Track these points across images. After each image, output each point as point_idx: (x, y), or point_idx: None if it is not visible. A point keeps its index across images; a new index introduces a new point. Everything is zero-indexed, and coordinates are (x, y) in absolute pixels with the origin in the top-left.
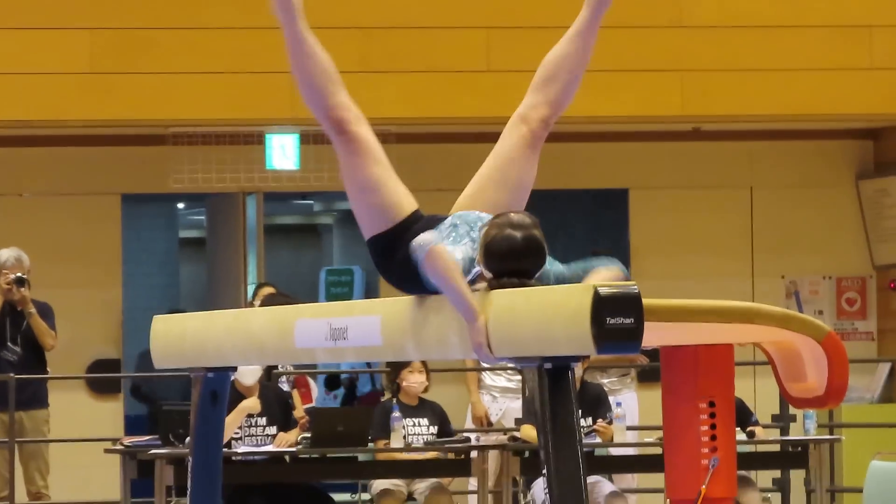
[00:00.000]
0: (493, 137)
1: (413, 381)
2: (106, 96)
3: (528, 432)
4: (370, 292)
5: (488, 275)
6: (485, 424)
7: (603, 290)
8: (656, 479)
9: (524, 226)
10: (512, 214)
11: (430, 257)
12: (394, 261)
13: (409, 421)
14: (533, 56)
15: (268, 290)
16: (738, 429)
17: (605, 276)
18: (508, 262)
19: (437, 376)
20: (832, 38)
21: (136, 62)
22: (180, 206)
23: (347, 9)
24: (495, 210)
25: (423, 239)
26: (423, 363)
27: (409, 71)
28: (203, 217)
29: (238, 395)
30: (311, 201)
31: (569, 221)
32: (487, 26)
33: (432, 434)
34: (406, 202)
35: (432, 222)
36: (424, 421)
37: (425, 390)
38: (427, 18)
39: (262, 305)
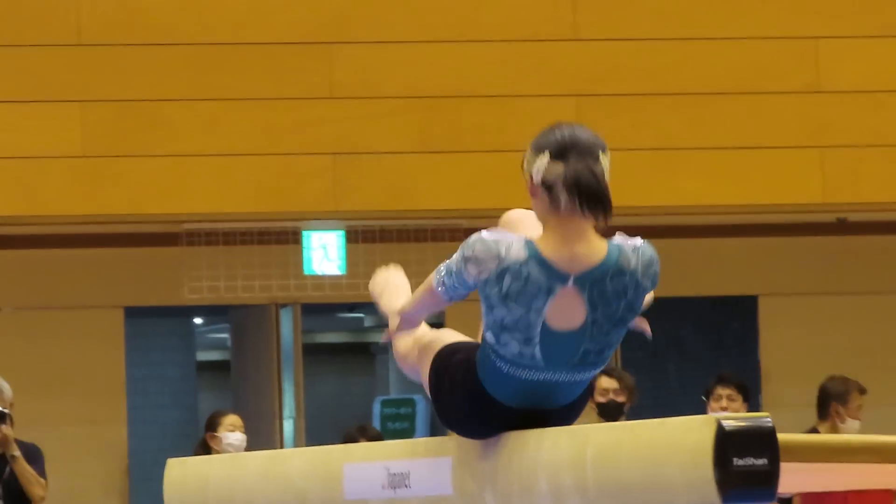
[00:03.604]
0: None
1: None
2: (102, 185)
3: None
4: (436, 428)
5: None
6: None
7: (728, 424)
8: None
9: None
10: None
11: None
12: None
13: None
14: (625, 127)
15: (235, 419)
16: None
17: None
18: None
19: None
20: None
21: (138, 142)
22: (198, 321)
23: (403, 73)
24: None
25: None
26: None
27: (481, 150)
28: (226, 335)
29: None
30: (361, 314)
31: (685, 336)
32: (577, 94)
33: None
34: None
35: None
36: None
37: None
38: (501, 85)
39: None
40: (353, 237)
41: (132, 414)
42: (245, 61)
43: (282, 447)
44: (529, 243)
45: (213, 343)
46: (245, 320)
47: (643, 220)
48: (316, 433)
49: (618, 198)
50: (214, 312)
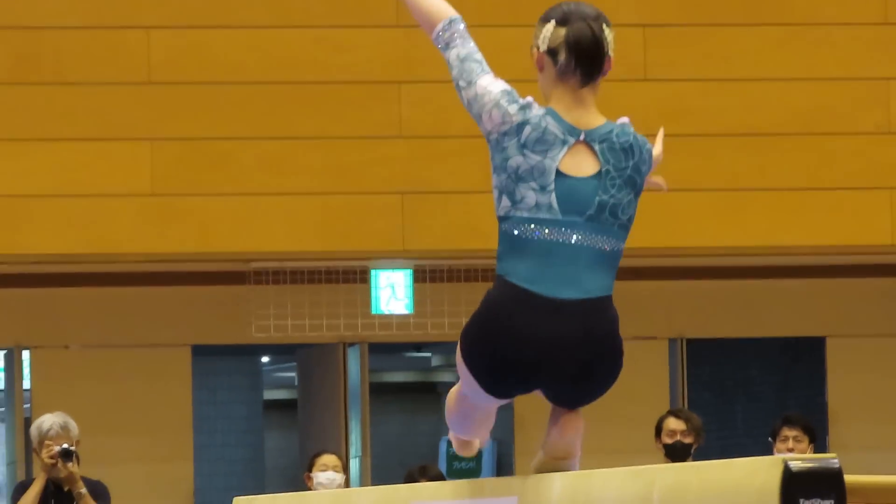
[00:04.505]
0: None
1: None
2: (171, 223)
3: None
4: (503, 468)
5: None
6: None
7: (795, 465)
8: None
9: None
10: None
11: None
12: None
13: None
14: (694, 167)
15: (329, 458)
16: None
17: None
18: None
19: None
20: None
21: (207, 180)
22: (265, 360)
23: None
24: None
25: None
26: None
27: None
28: (293, 374)
29: None
30: (428, 353)
31: (751, 377)
32: (646, 133)
33: None
34: None
35: None
36: None
37: None
38: None
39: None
40: (420, 276)
41: (199, 452)
42: (314, 100)
43: (348, 486)
44: (546, 107)
45: (280, 382)
46: (312, 359)
47: (711, 260)
48: (382, 472)
49: (686, 238)
50: (281, 351)
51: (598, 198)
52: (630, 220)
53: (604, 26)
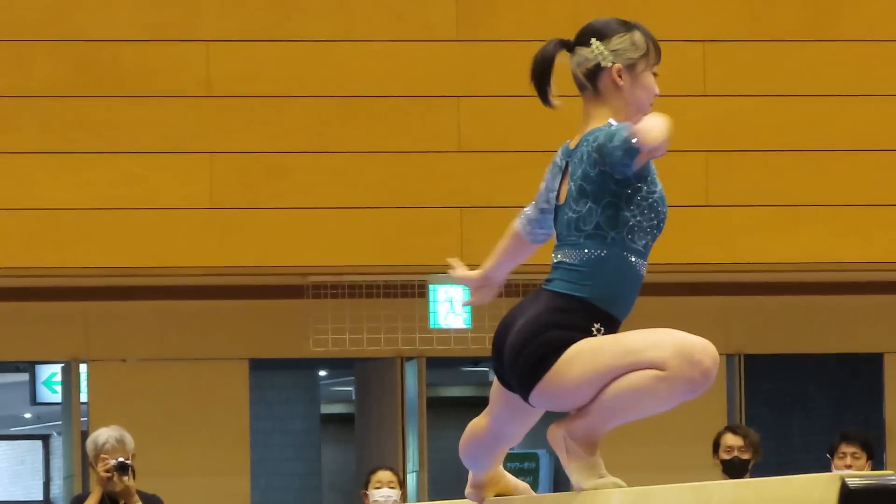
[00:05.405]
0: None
1: None
2: (229, 237)
3: None
4: (560, 484)
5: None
6: None
7: (853, 482)
8: None
9: None
10: None
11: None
12: None
13: None
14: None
15: (384, 474)
16: None
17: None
18: None
19: None
20: None
21: (265, 194)
22: (322, 373)
23: (530, 126)
24: None
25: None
26: None
27: None
28: (351, 388)
29: None
30: (486, 368)
31: (809, 393)
32: (706, 150)
33: None
34: None
35: None
36: None
37: None
38: None
39: None
40: None
41: (256, 466)
42: (372, 114)
43: (405, 502)
44: None
45: (338, 396)
46: (370, 373)
47: (769, 276)
48: (439, 487)
49: (744, 254)
50: (339, 365)
51: (566, 217)
52: (598, 226)
53: (578, 43)
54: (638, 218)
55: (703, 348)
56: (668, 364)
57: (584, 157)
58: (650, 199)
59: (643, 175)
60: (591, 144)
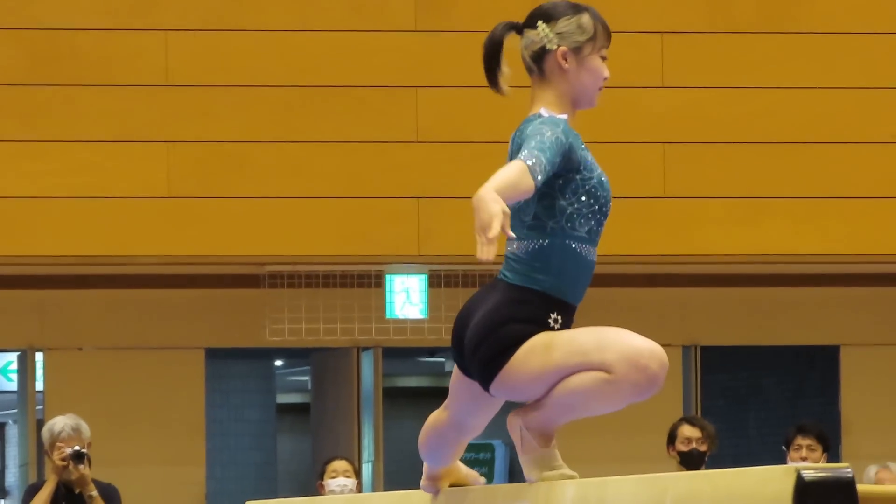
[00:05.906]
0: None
1: None
2: (186, 226)
3: None
4: (514, 474)
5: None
6: None
7: (808, 475)
8: None
9: None
10: None
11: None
12: None
13: None
14: (711, 175)
15: (339, 464)
16: None
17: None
18: None
19: None
20: None
21: (223, 183)
22: (279, 363)
23: (488, 117)
24: None
25: None
26: None
27: None
28: (307, 378)
29: None
30: (442, 359)
31: (765, 385)
32: (663, 141)
33: None
34: None
35: None
36: None
37: None
38: (587, 131)
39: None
40: (435, 281)
41: (211, 455)
42: (330, 104)
43: (360, 491)
44: None
45: (294, 386)
46: (326, 363)
47: (727, 268)
48: (395, 477)
49: (701, 245)
50: (295, 355)
51: (512, 208)
52: (536, 216)
53: (526, 25)
54: (576, 205)
55: (650, 353)
56: (615, 368)
57: (516, 150)
58: (587, 186)
59: (575, 164)
60: (521, 139)
